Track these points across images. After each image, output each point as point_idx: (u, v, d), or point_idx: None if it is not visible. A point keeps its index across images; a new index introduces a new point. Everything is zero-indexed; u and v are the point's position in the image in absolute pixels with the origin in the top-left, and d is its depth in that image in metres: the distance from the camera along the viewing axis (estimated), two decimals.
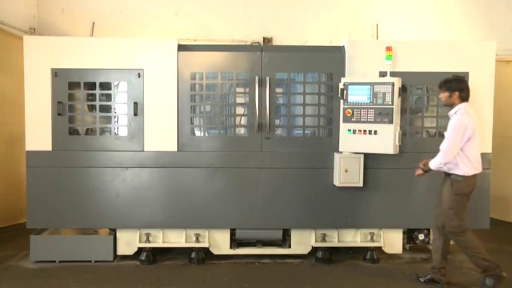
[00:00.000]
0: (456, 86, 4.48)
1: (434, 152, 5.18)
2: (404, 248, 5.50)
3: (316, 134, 5.34)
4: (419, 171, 4.68)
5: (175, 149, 5.16)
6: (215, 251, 5.35)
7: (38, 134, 5.10)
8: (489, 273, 4.45)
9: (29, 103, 5.11)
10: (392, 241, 5.38)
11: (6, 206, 6.50)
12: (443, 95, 4.54)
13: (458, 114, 4.45)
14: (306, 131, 5.35)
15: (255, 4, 7.46)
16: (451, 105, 4.55)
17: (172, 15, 7.39)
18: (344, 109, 5.06)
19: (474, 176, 4.47)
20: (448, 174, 4.52)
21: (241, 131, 5.36)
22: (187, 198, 5.19)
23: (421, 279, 4.76)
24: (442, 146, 4.47)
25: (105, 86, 5.20)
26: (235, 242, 5.42)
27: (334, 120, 5.23)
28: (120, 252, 5.30)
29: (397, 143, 4.92)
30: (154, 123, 5.14)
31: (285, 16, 7.49)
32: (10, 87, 6.42)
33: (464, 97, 4.50)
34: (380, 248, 5.38)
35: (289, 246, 5.38)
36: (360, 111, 5.01)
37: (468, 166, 4.42)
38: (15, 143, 6.44)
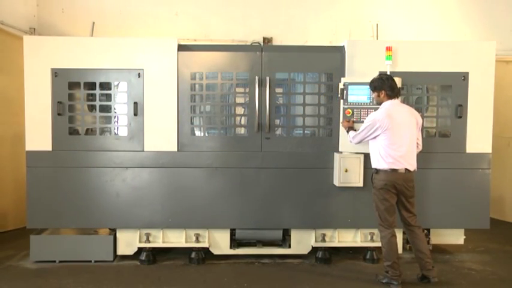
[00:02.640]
0: (379, 85, 4.58)
1: (435, 152, 5.22)
2: (404, 248, 5.49)
3: (316, 134, 5.34)
4: (346, 124, 4.92)
5: (175, 149, 5.16)
6: (215, 251, 5.35)
7: (38, 134, 5.10)
8: (385, 275, 4.61)
9: (29, 103, 5.11)
10: None
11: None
12: (374, 96, 4.70)
13: (378, 110, 4.59)
14: (306, 131, 5.35)
15: (255, 4, 7.46)
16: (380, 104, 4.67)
17: (172, 15, 7.39)
18: (344, 109, 5.06)
19: (390, 171, 4.48)
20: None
21: (241, 131, 5.36)
22: (187, 198, 5.19)
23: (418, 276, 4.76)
24: (358, 131, 4.66)
25: (105, 86, 5.20)
26: (235, 242, 5.42)
27: (334, 120, 5.23)
28: (120, 252, 5.30)
29: None
30: (154, 123, 5.14)
31: (285, 16, 7.48)
32: (10, 88, 6.42)
33: (390, 95, 4.56)
34: (380, 248, 5.35)
35: (289, 246, 5.38)
36: (360, 111, 5.01)
37: (379, 161, 4.54)
38: (18, 143, 6.43)
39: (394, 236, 4.58)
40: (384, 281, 4.63)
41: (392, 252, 4.53)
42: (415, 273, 4.90)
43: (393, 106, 4.56)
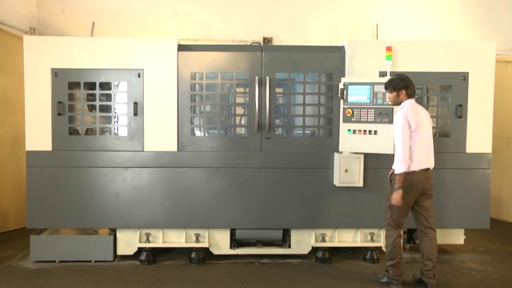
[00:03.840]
0: (401, 84, 4.49)
1: (435, 152, 5.17)
2: (404, 248, 5.49)
3: (316, 134, 5.34)
4: (397, 194, 4.36)
5: (175, 149, 5.16)
6: (215, 251, 5.35)
7: (38, 134, 5.10)
8: (386, 274, 4.59)
9: (29, 103, 5.11)
10: None
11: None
12: (392, 95, 4.56)
13: (403, 109, 4.46)
14: (305, 131, 5.35)
15: (255, 4, 7.46)
16: (399, 104, 4.56)
17: (172, 15, 7.39)
18: (344, 109, 5.06)
19: (412, 172, 4.37)
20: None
21: (241, 131, 5.36)
22: (187, 198, 5.19)
23: (415, 278, 4.72)
24: (396, 147, 4.41)
25: (105, 86, 5.20)
26: (235, 242, 5.41)
27: (334, 120, 5.23)
28: (120, 252, 5.30)
29: None
30: (154, 123, 5.14)
31: (285, 16, 7.48)
32: (10, 88, 6.42)
33: (411, 94, 4.51)
34: (380, 248, 5.37)
35: (289, 246, 5.38)
36: (360, 111, 5.01)
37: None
38: (18, 143, 6.43)
39: (401, 236, 4.56)
40: (383, 280, 4.63)
41: (396, 252, 4.50)
42: (415, 274, 4.90)
43: (415, 104, 4.51)
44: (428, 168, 4.50)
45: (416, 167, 4.41)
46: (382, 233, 5.34)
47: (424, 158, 4.45)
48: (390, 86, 4.55)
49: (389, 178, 4.51)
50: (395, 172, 4.38)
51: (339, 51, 5.24)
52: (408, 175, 4.38)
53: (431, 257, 4.51)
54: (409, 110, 4.41)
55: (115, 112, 5.24)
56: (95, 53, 5.10)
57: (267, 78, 5.14)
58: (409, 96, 4.51)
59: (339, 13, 7.54)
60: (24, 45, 5.08)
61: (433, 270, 4.51)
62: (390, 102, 4.68)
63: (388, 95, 4.63)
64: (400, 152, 4.36)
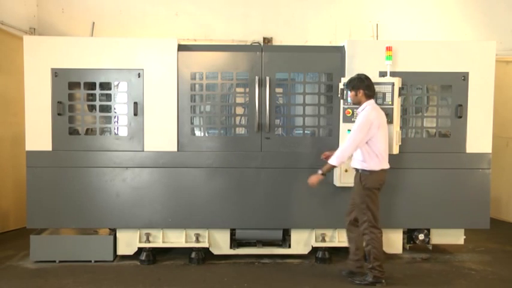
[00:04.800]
0: (359, 84, 4.61)
1: (435, 152, 5.21)
2: (404, 248, 5.50)
3: (316, 134, 5.34)
4: (316, 178, 4.63)
5: (175, 149, 5.16)
6: (215, 251, 5.35)
7: (38, 134, 5.10)
8: (373, 274, 4.62)
9: (29, 103, 5.11)
10: (392, 241, 5.38)
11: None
12: (351, 95, 4.69)
13: (366, 110, 4.57)
14: (305, 131, 5.35)
15: (255, 4, 7.46)
16: (358, 104, 4.68)
17: (172, 15, 7.39)
18: (344, 109, 5.06)
19: (382, 171, 4.56)
20: (357, 169, 4.63)
21: (241, 131, 5.35)
22: (187, 198, 5.19)
23: (343, 273, 4.88)
24: (345, 142, 4.58)
25: (105, 86, 5.20)
26: (235, 242, 5.41)
27: (334, 120, 5.22)
28: (120, 252, 5.30)
29: (397, 143, 4.92)
30: (154, 123, 5.14)
31: (285, 16, 7.48)
32: (10, 88, 6.42)
33: (369, 94, 4.62)
34: None
35: (289, 246, 5.38)
36: None
37: (375, 161, 4.53)
38: (18, 143, 6.43)
39: (381, 233, 4.64)
40: (369, 279, 4.64)
41: (381, 251, 4.62)
42: (415, 273, 4.92)
43: (376, 105, 4.65)
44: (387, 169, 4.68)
45: (386, 165, 4.60)
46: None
47: (386, 158, 4.62)
48: (349, 85, 4.70)
49: (360, 180, 4.59)
50: (330, 162, 4.56)
51: (339, 51, 5.24)
52: (382, 173, 4.57)
53: (360, 247, 4.72)
54: (373, 112, 4.53)
55: (115, 112, 5.24)
56: (95, 53, 5.10)
57: (267, 78, 5.14)
58: (368, 96, 4.63)
59: (339, 13, 7.55)
60: (24, 45, 5.08)
61: (362, 260, 4.73)
62: (350, 101, 4.83)
63: (349, 93, 4.75)
64: (345, 148, 4.53)
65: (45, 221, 5.20)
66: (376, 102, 4.87)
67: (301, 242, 5.37)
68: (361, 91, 4.61)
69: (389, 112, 4.87)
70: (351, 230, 4.79)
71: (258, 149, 5.21)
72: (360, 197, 4.58)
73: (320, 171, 4.62)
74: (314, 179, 4.65)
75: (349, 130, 5.03)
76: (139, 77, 5.12)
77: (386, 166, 4.61)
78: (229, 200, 5.21)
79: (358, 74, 4.70)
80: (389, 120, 4.86)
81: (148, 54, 5.11)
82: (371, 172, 4.54)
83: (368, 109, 4.56)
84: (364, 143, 4.52)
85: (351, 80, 4.68)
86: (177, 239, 5.31)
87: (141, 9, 7.33)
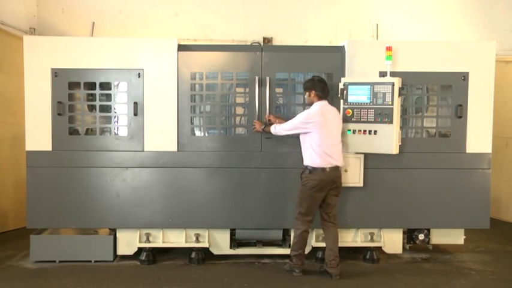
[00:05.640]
0: (309, 85, 4.82)
1: (435, 152, 5.21)
2: (404, 248, 5.50)
3: None
4: (259, 127, 5.04)
5: (175, 149, 5.16)
6: (215, 251, 5.35)
7: (38, 134, 5.10)
8: (292, 263, 4.90)
9: (28, 103, 5.11)
10: (392, 241, 5.38)
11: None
12: (306, 95, 4.91)
13: (311, 108, 4.80)
14: None
15: (255, 4, 7.46)
16: (311, 104, 4.87)
17: (172, 15, 7.39)
18: (344, 109, 5.06)
19: (322, 170, 4.70)
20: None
21: (241, 131, 5.35)
22: (187, 198, 5.19)
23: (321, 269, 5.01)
24: (288, 122, 4.84)
25: (105, 86, 5.20)
26: (235, 242, 5.41)
27: None
28: (120, 252, 5.30)
29: (397, 143, 4.92)
30: (154, 123, 5.14)
31: (285, 16, 7.48)
32: (10, 88, 6.42)
33: (321, 96, 4.79)
34: (380, 248, 5.38)
35: (289, 246, 5.37)
36: (360, 111, 5.01)
37: (313, 158, 4.72)
38: (18, 143, 6.43)
39: (307, 232, 4.87)
40: (286, 268, 4.95)
41: (300, 245, 4.84)
42: (415, 273, 4.91)
43: (325, 106, 4.80)
44: (338, 166, 4.79)
45: (325, 164, 4.71)
46: (382, 233, 5.35)
47: (332, 156, 4.72)
48: (303, 86, 4.93)
49: (301, 176, 4.81)
50: (271, 128, 4.93)
51: (339, 51, 5.24)
52: (316, 174, 4.71)
53: (333, 248, 4.83)
54: (316, 110, 4.72)
55: (115, 112, 5.24)
56: (95, 53, 5.10)
57: (267, 78, 5.14)
58: (320, 97, 4.80)
59: (339, 13, 7.54)
60: (24, 45, 5.08)
61: (336, 260, 4.81)
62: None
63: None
64: (283, 126, 4.86)
65: (45, 221, 5.20)
66: (376, 102, 4.90)
67: None
68: (313, 92, 4.81)
69: (389, 112, 4.88)
70: (324, 227, 4.96)
71: (258, 149, 5.21)
72: (298, 192, 4.84)
73: (263, 127, 5.03)
74: (258, 126, 5.07)
75: (349, 130, 5.06)
76: (139, 77, 5.12)
77: (327, 165, 4.69)
78: (229, 200, 5.21)
79: (313, 76, 4.89)
80: (389, 120, 4.87)
81: (148, 54, 5.11)
82: (310, 171, 4.73)
83: (313, 107, 4.77)
84: (303, 138, 4.78)
85: (305, 82, 4.90)
86: (177, 239, 5.31)
87: (141, 9, 7.33)
